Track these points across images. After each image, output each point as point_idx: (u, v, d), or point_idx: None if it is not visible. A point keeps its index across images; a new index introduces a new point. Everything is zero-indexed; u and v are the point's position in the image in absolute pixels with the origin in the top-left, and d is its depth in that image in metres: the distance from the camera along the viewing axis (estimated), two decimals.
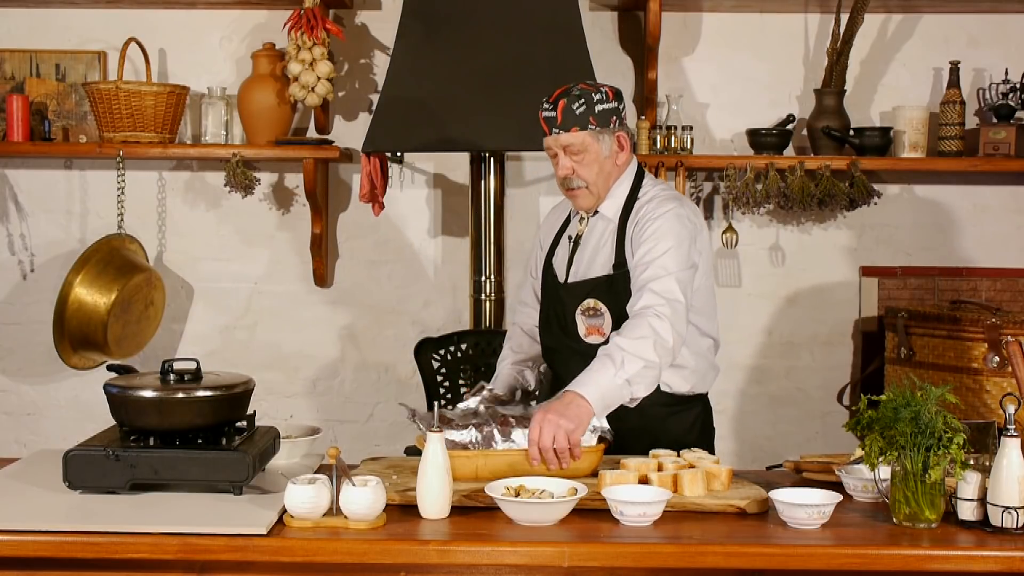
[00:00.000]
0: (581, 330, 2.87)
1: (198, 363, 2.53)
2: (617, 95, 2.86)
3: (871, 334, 4.36)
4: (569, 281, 2.91)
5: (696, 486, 2.41)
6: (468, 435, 2.55)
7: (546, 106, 2.81)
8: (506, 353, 3.11)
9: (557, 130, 2.79)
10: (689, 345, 2.85)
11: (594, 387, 2.56)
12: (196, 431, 2.44)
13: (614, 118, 2.83)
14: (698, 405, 2.96)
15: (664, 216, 2.80)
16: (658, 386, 2.79)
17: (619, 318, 2.80)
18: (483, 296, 4.13)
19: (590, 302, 2.84)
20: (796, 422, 4.41)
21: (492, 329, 4.13)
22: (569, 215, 3.04)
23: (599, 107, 2.80)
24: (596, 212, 2.91)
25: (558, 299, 2.93)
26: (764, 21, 4.34)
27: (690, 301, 2.76)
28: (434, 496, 2.29)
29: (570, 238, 2.97)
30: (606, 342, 2.80)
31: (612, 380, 2.57)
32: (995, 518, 2.22)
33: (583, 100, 2.78)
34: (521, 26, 3.94)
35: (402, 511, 2.34)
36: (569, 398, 2.54)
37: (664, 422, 2.87)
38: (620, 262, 2.83)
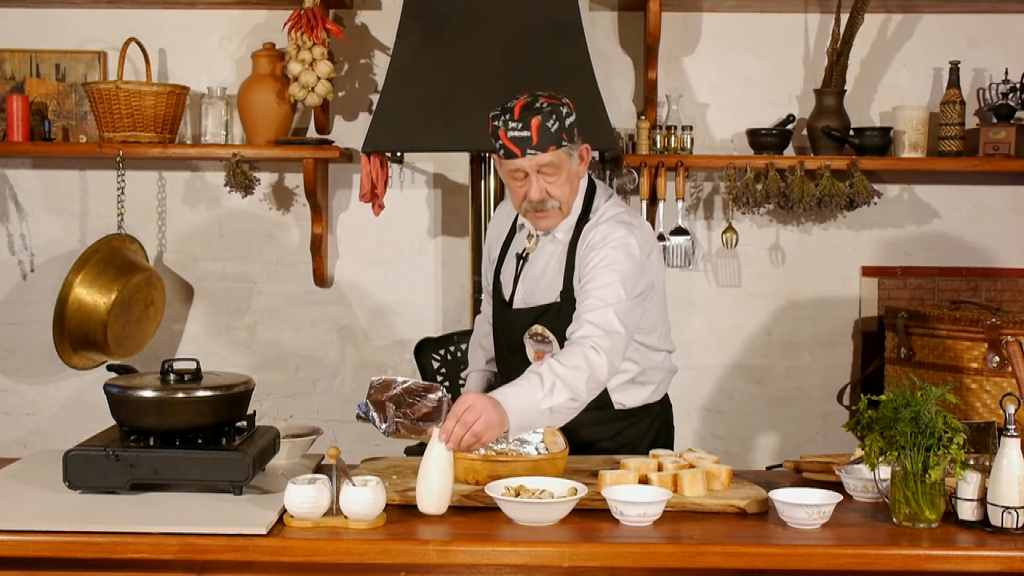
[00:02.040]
0: (529, 353, 2.81)
1: (198, 363, 2.53)
2: (574, 106, 2.73)
3: (871, 334, 4.36)
4: (515, 305, 2.85)
5: (696, 486, 2.41)
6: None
7: (513, 124, 2.63)
8: (478, 353, 3.08)
9: (533, 151, 2.63)
10: (649, 363, 2.86)
11: (518, 407, 2.44)
12: (196, 431, 2.45)
13: (576, 130, 2.71)
14: (655, 409, 2.95)
15: (611, 246, 2.69)
16: (612, 404, 2.83)
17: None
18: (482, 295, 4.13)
19: (537, 328, 2.78)
20: (796, 422, 4.41)
21: None
22: (513, 227, 2.95)
23: (567, 121, 2.67)
24: (548, 232, 2.82)
25: (506, 321, 2.88)
26: (764, 21, 4.34)
27: (633, 328, 2.69)
28: (433, 492, 2.29)
29: (518, 256, 2.88)
30: None
31: (536, 405, 2.47)
32: (995, 518, 2.22)
33: (554, 116, 2.63)
34: (521, 26, 3.94)
35: (402, 511, 2.34)
36: (491, 405, 2.41)
37: (621, 434, 2.87)
38: (568, 288, 2.76)
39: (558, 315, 2.76)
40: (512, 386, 2.50)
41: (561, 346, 2.71)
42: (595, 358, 2.54)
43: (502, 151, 2.68)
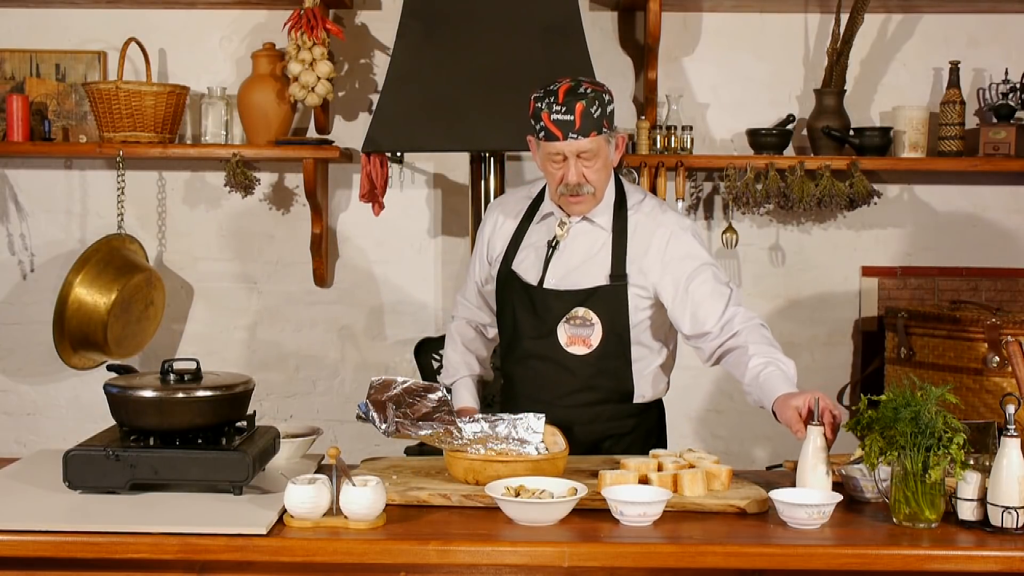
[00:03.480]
0: (562, 339, 2.80)
1: (198, 363, 2.53)
2: (612, 94, 2.78)
3: (871, 334, 4.36)
4: (548, 287, 2.82)
5: (696, 486, 2.41)
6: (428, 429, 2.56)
7: (557, 107, 2.65)
8: (468, 359, 3.05)
9: (575, 135, 2.65)
10: (669, 354, 2.93)
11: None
12: (196, 431, 2.44)
13: (615, 118, 2.76)
14: (653, 415, 2.96)
15: (690, 236, 2.81)
16: (632, 398, 2.86)
17: (610, 330, 2.77)
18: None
19: (580, 311, 2.77)
20: None
21: None
22: (526, 218, 2.93)
23: (608, 108, 2.71)
24: (582, 217, 2.83)
25: (532, 307, 2.84)
26: (764, 21, 4.34)
27: None
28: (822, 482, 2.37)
29: (549, 244, 2.85)
30: (590, 354, 2.79)
31: (793, 383, 2.64)
32: (995, 518, 2.22)
33: (597, 102, 2.67)
34: (521, 26, 3.94)
35: (402, 511, 2.34)
36: (813, 393, 2.54)
37: (631, 433, 2.88)
38: (619, 273, 2.77)
39: (606, 297, 2.77)
40: (779, 381, 2.63)
41: (606, 330, 2.77)
42: (767, 331, 2.74)
43: (542, 133, 2.70)
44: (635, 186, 2.94)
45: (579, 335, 2.79)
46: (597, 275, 2.79)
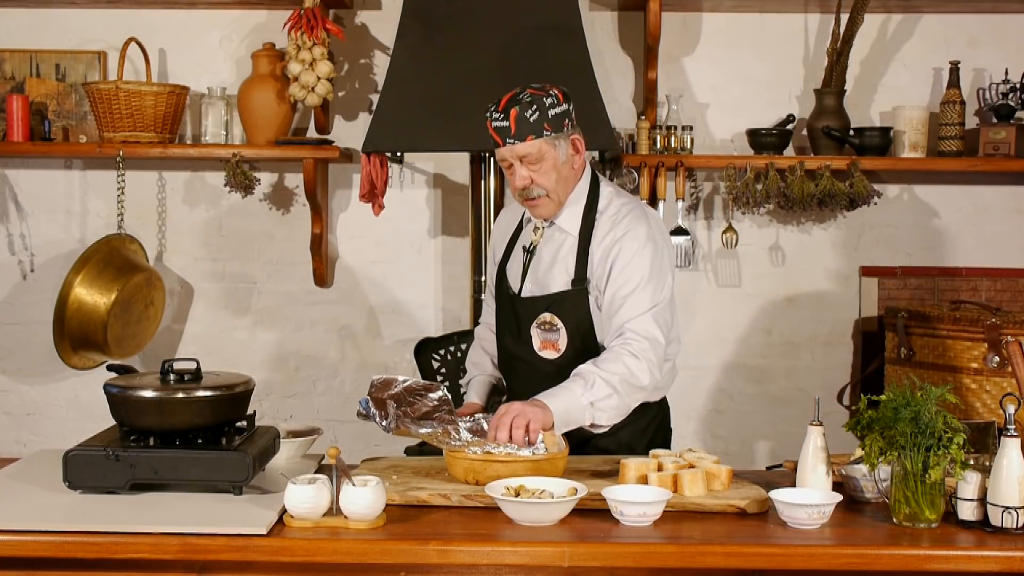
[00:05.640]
0: (535, 344, 2.83)
1: (198, 363, 2.53)
2: (567, 96, 2.77)
3: (871, 334, 4.36)
4: (523, 294, 2.85)
5: (696, 486, 2.41)
6: (427, 428, 2.58)
7: (496, 115, 2.71)
8: (483, 359, 3.08)
9: (512, 140, 2.70)
10: None
11: (560, 400, 2.59)
12: (196, 431, 2.44)
13: (567, 121, 2.74)
14: (652, 409, 2.93)
15: (638, 240, 2.74)
16: None
17: (575, 334, 2.78)
18: (483, 296, 4.11)
19: (546, 316, 2.80)
20: (796, 422, 4.41)
21: None
22: (520, 223, 2.97)
23: (552, 112, 2.71)
24: (552, 223, 2.84)
25: (513, 311, 2.88)
26: (764, 21, 4.34)
27: (668, 331, 2.76)
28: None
29: (525, 248, 2.88)
30: (560, 357, 2.80)
31: (578, 399, 2.61)
32: (995, 518, 2.22)
33: (535, 106, 2.69)
34: (521, 26, 3.94)
35: (402, 511, 2.34)
36: (534, 402, 2.58)
37: (619, 433, 2.84)
38: (580, 278, 2.78)
39: (568, 302, 2.78)
40: (556, 387, 2.63)
41: (570, 333, 2.77)
42: (634, 363, 2.65)
43: (491, 140, 2.76)
44: (613, 187, 2.91)
45: (549, 339, 2.82)
46: (562, 280, 2.81)
